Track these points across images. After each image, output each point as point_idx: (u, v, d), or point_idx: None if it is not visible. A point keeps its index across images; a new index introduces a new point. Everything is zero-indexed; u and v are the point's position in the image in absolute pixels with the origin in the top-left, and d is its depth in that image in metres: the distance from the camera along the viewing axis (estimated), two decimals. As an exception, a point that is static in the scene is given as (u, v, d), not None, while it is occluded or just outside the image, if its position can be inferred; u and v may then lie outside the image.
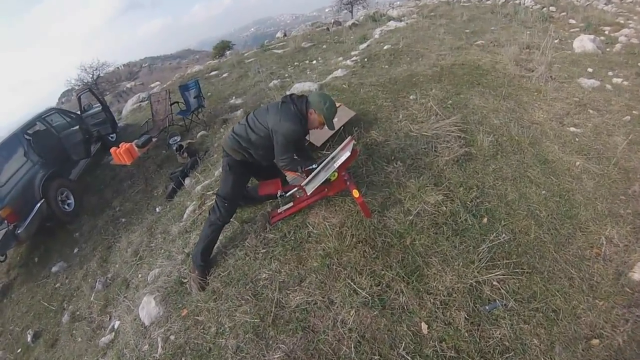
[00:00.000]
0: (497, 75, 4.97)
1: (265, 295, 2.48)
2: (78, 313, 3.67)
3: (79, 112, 6.60)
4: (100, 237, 4.54)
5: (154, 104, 6.59)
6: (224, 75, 9.70)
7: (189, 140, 5.69)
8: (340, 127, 3.51)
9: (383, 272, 2.33)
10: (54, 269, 4.41)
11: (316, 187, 2.60)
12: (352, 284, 2.32)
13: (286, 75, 7.36)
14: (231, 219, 2.88)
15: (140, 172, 5.73)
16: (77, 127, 5.65)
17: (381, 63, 5.77)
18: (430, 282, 2.26)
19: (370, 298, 2.22)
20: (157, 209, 4.51)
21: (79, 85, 12.62)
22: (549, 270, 2.47)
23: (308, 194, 2.66)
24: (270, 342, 2.18)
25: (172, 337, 2.63)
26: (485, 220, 2.71)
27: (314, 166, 2.60)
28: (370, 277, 2.33)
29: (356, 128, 3.63)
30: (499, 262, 2.40)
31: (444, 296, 2.20)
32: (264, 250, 2.75)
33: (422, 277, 2.30)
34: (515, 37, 6.55)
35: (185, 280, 2.92)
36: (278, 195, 2.77)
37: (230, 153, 2.73)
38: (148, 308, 2.92)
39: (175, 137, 5.73)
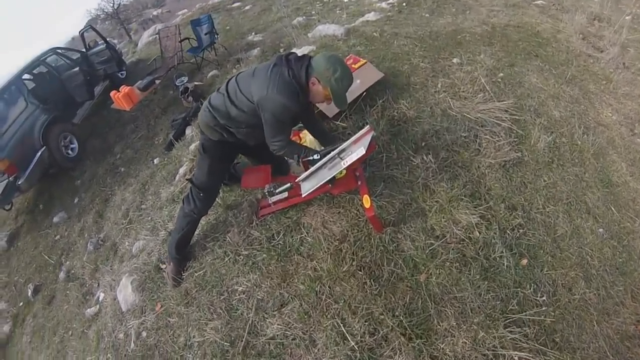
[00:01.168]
0: (559, 49, 3.87)
1: (239, 314, 2.03)
2: (72, 272, 3.57)
3: (84, 50, 6.00)
4: (99, 188, 4.19)
5: (163, 40, 5.79)
6: (246, 7, 8.44)
7: (195, 83, 5.04)
8: (362, 92, 2.70)
9: (382, 317, 1.76)
10: (55, 219, 4.21)
11: (315, 188, 1.97)
12: (341, 325, 1.79)
13: (313, 12, 6.15)
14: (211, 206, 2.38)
15: (144, 116, 5.15)
16: (78, 68, 5.15)
17: (422, 10, 4.64)
18: (438, 343, 1.68)
19: (359, 350, 1.73)
20: (155, 161, 4.10)
21: (101, 15, 11.81)
22: (583, 350, 1.83)
23: (303, 197, 2.05)
24: (237, 377, 1.83)
25: (144, 334, 2.40)
26: (524, 262, 2.00)
27: (315, 156, 1.92)
28: (366, 321, 1.77)
29: (383, 95, 2.82)
30: (528, 329, 1.77)
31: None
32: (246, 253, 2.26)
33: (430, 334, 1.71)
34: (582, 3, 5.22)
35: (163, 267, 2.64)
36: (265, 192, 2.20)
37: (205, 131, 2.01)
38: (125, 293, 2.68)
39: (182, 78, 5.09)
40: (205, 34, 5.48)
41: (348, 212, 2.13)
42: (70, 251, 3.85)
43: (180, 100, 4.88)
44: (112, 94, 4.85)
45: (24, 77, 4.81)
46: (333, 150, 1.84)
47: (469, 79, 2.89)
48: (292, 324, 1.89)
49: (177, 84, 5.01)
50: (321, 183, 1.85)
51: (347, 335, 1.76)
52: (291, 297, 1.98)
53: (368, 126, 1.82)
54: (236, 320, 2.04)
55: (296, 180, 2.00)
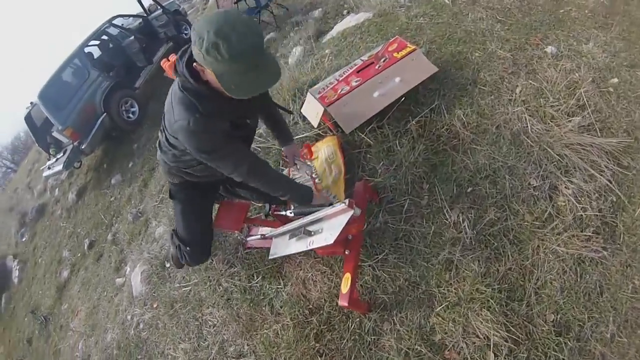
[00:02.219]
0: None
1: (206, 345, 2.01)
2: (117, 236, 4.00)
3: (145, 15, 6.18)
4: (149, 155, 4.51)
5: (220, 0, 5.64)
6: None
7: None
8: (401, 97, 2.02)
9: None
10: (112, 181, 4.77)
11: (283, 255, 1.57)
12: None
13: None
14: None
15: None
16: (134, 36, 5.42)
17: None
18: None
19: None
20: None
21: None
22: None
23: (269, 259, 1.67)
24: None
25: (141, 326, 2.59)
26: None
27: (288, 213, 1.53)
28: None
29: (432, 98, 2.09)
30: None
31: None
32: (226, 285, 2.06)
33: None
34: None
35: (167, 265, 2.69)
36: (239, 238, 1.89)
37: (165, 176, 1.77)
38: (136, 280, 2.86)
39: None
40: (263, -7, 5.04)
41: (334, 277, 1.71)
42: (119, 215, 4.25)
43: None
44: (162, 62, 4.89)
45: (86, 48, 5.17)
46: (309, 213, 1.38)
47: (565, 84, 1.91)
48: None
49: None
50: (284, 254, 1.43)
51: None
52: (249, 352, 1.83)
53: (347, 202, 1.23)
54: (201, 351, 2.03)
55: (266, 235, 1.63)
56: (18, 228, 8.15)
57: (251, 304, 1.90)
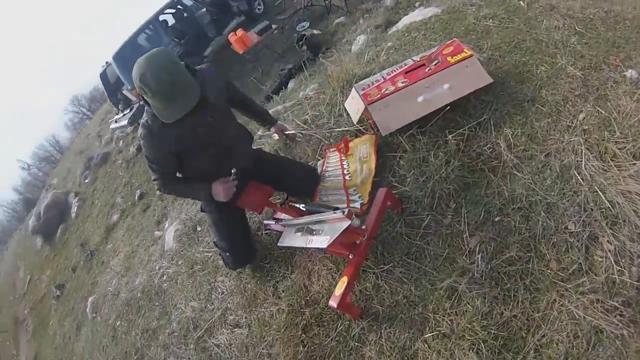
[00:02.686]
0: None
1: (211, 308, 2.23)
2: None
3: None
4: None
5: None
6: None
7: (314, 31, 4.83)
8: (447, 105, 1.94)
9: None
10: None
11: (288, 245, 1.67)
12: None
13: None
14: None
15: (264, 57, 5.44)
16: (206, 8, 5.75)
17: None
18: None
19: None
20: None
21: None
22: None
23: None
24: None
25: (164, 277, 2.88)
26: None
27: (301, 207, 1.65)
28: None
29: (481, 111, 1.98)
30: None
31: None
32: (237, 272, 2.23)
33: None
34: None
35: (199, 229, 2.91)
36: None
37: None
38: (169, 237, 3.16)
39: (303, 24, 4.93)
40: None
41: (338, 275, 1.76)
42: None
43: (296, 48, 4.82)
44: (229, 36, 5.18)
45: (161, 16, 5.60)
46: (317, 212, 1.47)
47: (639, 119, 1.70)
48: (234, 346, 1.96)
49: (297, 29, 4.90)
50: (289, 245, 1.53)
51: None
52: (245, 325, 1.98)
53: (346, 212, 1.33)
54: (206, 312, 2.24)
55: (281, 223, 1.71)
56: (83, 170, 9.25)
57: (258, 282, 2.03)
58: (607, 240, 1.47)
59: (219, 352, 2.01)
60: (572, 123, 1.79)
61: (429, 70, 1.92)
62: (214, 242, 2.15)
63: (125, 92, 5.98)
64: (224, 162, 1.74)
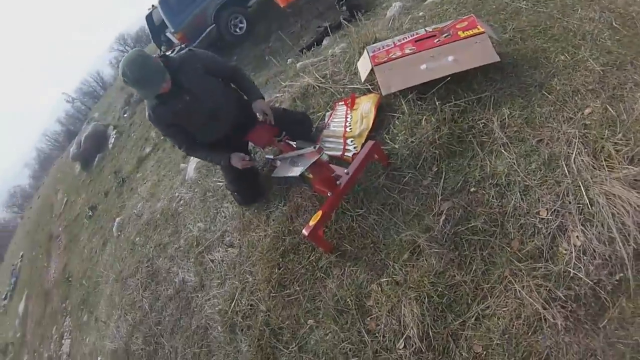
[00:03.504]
0: None
1: (213, 228, 2.67)
2: None
3: None
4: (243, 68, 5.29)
5: None
6: None
7: (355, -7, 4.92)
8: (447, 76, 2.10)
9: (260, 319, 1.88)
10: None
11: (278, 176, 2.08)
12: (235, 293, 2.08)
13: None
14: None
15: (306, 13, 5.63)
16: None
17: None
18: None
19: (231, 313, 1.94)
20: (288, 61, 4.66)
21: None
22: None
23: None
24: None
25: (181, 202, 3.35)
26: None
27: (293, 144, 2.02)
28: (250, 305, 1.95)
29: (483, 89, 2.12)
30: None
31: None
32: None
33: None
34: None
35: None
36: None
37: None
38: (191, 168, 3.62)
39: (344, -18, 5.03)
40: None
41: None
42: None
43: (336, 9, 4.95)
44: None
45: None
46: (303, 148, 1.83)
47: None
48: (224, 263, 2.41)
49: (339, -14, 4.98)
50: (277, 176, 2.00)
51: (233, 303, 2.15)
52: (237, 245, 2.40)
53: (317, 148, 1.69)
54: (209, 232, 2.70)
55: (276, 158, 2.11)
56: (123, 105, 10.03)
57: (255, 210, 2.43)
58: (577, 236, 1.56)
59: (212, 267, 2.47)
60: (575, 116, 1.86)
61: (437, 41, 2.09)
62: (225, 185, 2.61)
63: (168, 34, 6.49)
64: (211, 125, 2.19)
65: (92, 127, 10.14)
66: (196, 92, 2.06)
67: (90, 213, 6.92)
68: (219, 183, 2.93)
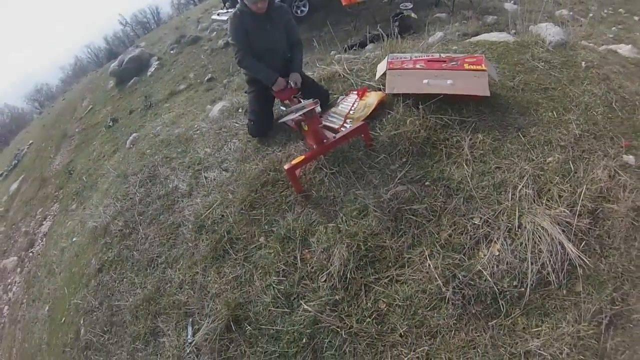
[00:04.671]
0: None
1: (216, 156, 3.22)
2: (229, 84, 5.63)
3: None
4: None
5: None
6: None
7: (413, 14, 5.49)
8: (440, 94, 2.56)
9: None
10: None
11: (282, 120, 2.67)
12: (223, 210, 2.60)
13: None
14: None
15: (362, 16, 6.26)
16: None
17: None
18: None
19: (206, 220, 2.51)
20: (331, 53, 5.23)
21: None
22: None
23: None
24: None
25: (197, 132, 3.91)
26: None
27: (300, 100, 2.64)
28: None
29: (474, 114, 2.58)
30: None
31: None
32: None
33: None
34: None
35: (240, 111, 3.86)
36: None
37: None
38: (215, 109, 4.20)
39: (407, 4, 5.60)
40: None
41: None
42: (239, 73, 5.65)
43: (389, 21, 5.49)
44: None
45: None
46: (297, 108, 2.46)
47: (599, 189, 2.17)
48: (215, 181, 2.97)
49: (400, 6, 5.56)
50: (282, 120, 2.63)
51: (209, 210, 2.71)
52: (231, 171, 2.96)
53: (315, 101, 2.39)
54: (212, 157, 3.27)
55: (284, 110, 2.75)
56: (172, 42, 10.79)
57: (256, 148, 3.01)
58: (497, 249, 2.05)
59: (204, 182, 3.02)
60: (537, 159, 2.35)
61: (445, 65, 2.63)
62: (245, 113, 3.20)
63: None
64: (260, 58, 2.84)
65: (139, 51, 10.95)
66: (272, 30, 2.78)
67: (110, 124, 7.63)
68: (235, 124, 3.49)
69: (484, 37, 3.96)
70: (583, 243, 2.04)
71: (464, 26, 4.84)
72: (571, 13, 5.29)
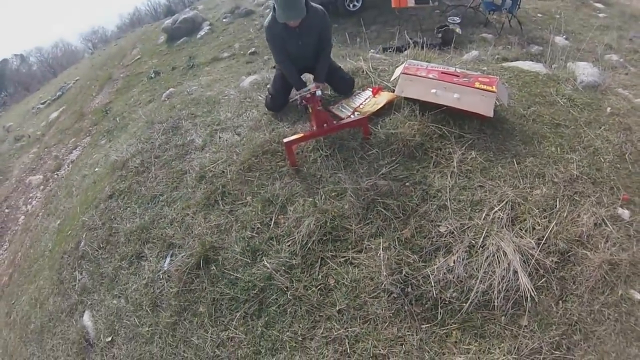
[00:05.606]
0: None
1: (233, 121, 3.56)
2: (270, 61, 5.88)
3: None
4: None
5: None
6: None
7: (458, 29, 5.67)
8: (443, 106, 2.76)
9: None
10: None
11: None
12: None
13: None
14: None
15: (407, 22, 6.52)
16: None
17: None
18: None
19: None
20: (370, 51, 5.52)
21: None
22: None
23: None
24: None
25: (225, 98, 4.30)
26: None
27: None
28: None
29: (475, 131, 2.77)
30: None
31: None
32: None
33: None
34: None
35: (268, 87, 4.22)
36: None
37: None
38: (247, 81, 4.62)
39: (455, 18, 5.78)
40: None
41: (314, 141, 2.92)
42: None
43: (433, 31, 5.71)
44: None
45: None
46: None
47: (578, 233, 2.23)
48: (227, 142, 3.35)
49: (448, 19, 5.75)
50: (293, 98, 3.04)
51: (213, 165, 3.00)
52: (243, 136, 3.36)
53: (318, 85, 2.80)
54: (230, 120, 3.68)
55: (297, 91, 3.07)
56: (226, 12, 11.41)
57: (269, 120, 3.37)
58: (455, 259, 2.20)
59: (217, 141, 3.41)
60: (523, 188, 2.45)
61: (456, 80, 2.84)
62: (267, 87, 3.56)
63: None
64: (295, 62, 3.08)
65: (194, 13, 11.63)
66: (304, 39, 2.96)
67: (152, 75, 8.26)
68: (259, 97, 3.85)
69: (517, 64, 4.10)
70: (543, 279, 2.11)
71: (506, 50, 4.98)
72: (621, 60, 5.29)
